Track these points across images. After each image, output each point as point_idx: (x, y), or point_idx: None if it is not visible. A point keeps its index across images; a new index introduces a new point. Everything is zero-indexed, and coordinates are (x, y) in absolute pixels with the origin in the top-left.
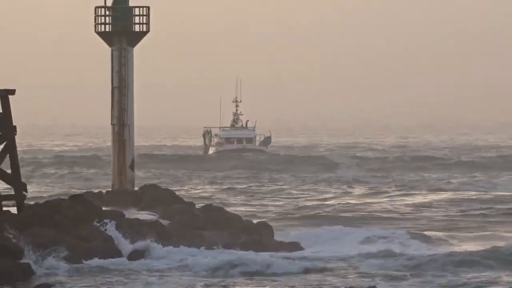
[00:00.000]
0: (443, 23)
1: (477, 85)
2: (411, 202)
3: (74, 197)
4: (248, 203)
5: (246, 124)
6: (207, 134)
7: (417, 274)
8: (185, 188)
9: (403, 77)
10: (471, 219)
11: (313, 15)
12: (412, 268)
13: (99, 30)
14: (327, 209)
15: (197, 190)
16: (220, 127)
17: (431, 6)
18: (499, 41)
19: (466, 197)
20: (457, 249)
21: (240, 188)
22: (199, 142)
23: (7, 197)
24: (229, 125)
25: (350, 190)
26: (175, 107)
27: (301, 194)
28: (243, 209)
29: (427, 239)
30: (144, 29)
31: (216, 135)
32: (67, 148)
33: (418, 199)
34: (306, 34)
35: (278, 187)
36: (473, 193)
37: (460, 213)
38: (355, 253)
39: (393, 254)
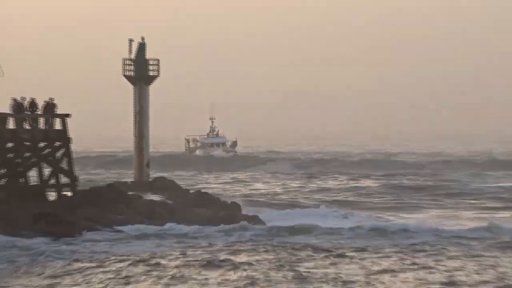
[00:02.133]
0: None
1: None
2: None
3: (109, 185)
4: (227, 187)
5: (218, 133)
6: (193, 141)
7: None
8: (184, 177)
9: None
10: None
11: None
12: None
13: (126, 74)
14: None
15: (191, 180)
16: (200, 136)
17: None
18: None
19: None
20: None
21: (219, 176)
22: (179, 148)
23: (65, 185)
24: (205, 135)
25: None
26: (167, 123)
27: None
28: (223, 192)
29: None
30: (156, 74)
31: (197, 141)
32: (109, 151)
33: None
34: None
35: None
36: None
37: None
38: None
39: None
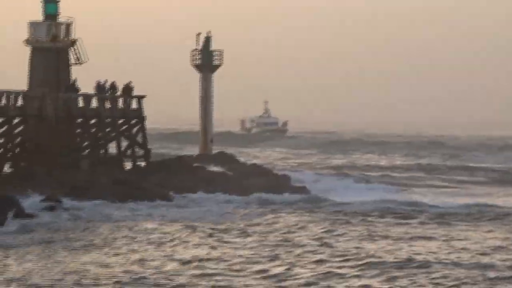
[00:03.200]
0: None
1: None
2: None
3: (178, 157)
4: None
5: (270, 115)
6: (248, 121)
7: None
8: (241, 152)
9: None
10: None
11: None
12: None
13: (195, 63)
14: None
15: (248, 155)
16: (254, 116)
17: None
18: None
19: None
20: None
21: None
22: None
23: (140, 157)
24: (259, 116)
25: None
26: (225, 106)
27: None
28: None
29: None
30: (219, 63)
31: (253, 121)
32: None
33: None
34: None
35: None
36: None
37: None
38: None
39: None
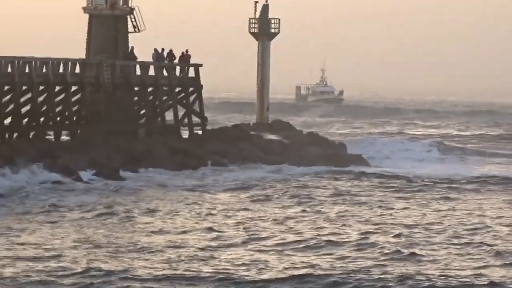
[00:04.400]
0: None
1: None
2: None
3: (235, 126)
4: (338, 131)
5: (326, 83)
6: (304, 89)
7: None
8: (297, 121)
9: None
10: None
11: None
12: None
13: (252, 31)
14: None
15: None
16: (310, 84)
17: None
18: None
19: None
20: None
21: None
22: (290, 95)
23: (197, 125)
24: (315, 84)
25: None
26: (280, 73)
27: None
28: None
29: None
30: (277, 31)
31: (309, 89)
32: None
33: None
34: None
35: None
36: None
37: None
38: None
39: None
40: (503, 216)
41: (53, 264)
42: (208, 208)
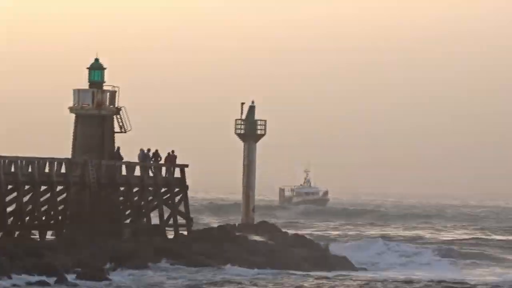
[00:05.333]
0: None
1: None
2: None
3: (220, 227)
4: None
5: (310, 184)
6: (288, 190)
7: None
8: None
9: None
10: None
11: None
12: None
13: (238, 133)
14: None
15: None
16: (294, 186)
17: None
18: None
19: None
20: None
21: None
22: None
23: (183, 225)
24: (299, 185)
25: None
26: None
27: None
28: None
29: None
30: (263, 133)
31: (293, 190)
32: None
33: None
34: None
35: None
36: None
37: None
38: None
39: None
40: None
41: None
42: None
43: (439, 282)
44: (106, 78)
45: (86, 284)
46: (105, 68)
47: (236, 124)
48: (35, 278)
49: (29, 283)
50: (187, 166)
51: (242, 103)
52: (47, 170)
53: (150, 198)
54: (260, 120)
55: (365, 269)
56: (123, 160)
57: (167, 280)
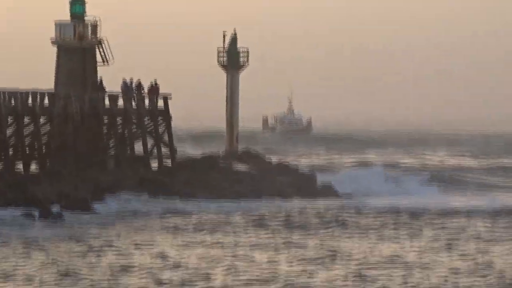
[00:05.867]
0: None
1: None
2: None
3: (204, 157)
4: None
5: (293, 112)
6: (272, 118)
7: None
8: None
9: None
10: None
11: None
12: None
13: (220, 63)
14: None
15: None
16: (277, 114)
17: None
18: None
19: None
20: None
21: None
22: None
23: (166, 156)
24: (282, 113)
25: None
26: (251, 103)
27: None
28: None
29: None
30: (246, 63)
31: (276, 119)
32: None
33: None
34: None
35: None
36: None
37: None
38: None
39: None
40: None
41: None
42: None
43: (424, 209)
44: (87, 9)
45: (71, 215)
46: (86, 1)
47: (218, 54)
48: (20, 211)
49: (14, 216)
50: (169, 95)
51: (224, 32)
52: (30, 102)
53: (134, 129)
54: (243, 49)
55: (350, 198)
56: (106, 91)
57: (151, 209)
